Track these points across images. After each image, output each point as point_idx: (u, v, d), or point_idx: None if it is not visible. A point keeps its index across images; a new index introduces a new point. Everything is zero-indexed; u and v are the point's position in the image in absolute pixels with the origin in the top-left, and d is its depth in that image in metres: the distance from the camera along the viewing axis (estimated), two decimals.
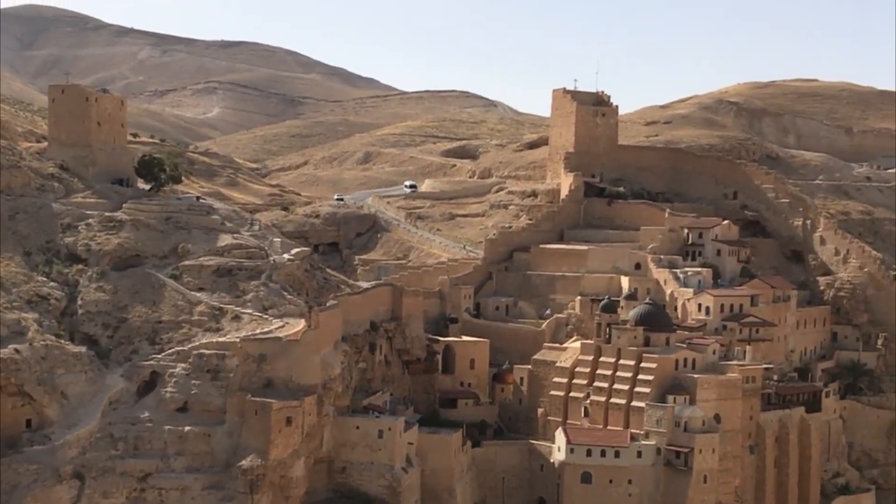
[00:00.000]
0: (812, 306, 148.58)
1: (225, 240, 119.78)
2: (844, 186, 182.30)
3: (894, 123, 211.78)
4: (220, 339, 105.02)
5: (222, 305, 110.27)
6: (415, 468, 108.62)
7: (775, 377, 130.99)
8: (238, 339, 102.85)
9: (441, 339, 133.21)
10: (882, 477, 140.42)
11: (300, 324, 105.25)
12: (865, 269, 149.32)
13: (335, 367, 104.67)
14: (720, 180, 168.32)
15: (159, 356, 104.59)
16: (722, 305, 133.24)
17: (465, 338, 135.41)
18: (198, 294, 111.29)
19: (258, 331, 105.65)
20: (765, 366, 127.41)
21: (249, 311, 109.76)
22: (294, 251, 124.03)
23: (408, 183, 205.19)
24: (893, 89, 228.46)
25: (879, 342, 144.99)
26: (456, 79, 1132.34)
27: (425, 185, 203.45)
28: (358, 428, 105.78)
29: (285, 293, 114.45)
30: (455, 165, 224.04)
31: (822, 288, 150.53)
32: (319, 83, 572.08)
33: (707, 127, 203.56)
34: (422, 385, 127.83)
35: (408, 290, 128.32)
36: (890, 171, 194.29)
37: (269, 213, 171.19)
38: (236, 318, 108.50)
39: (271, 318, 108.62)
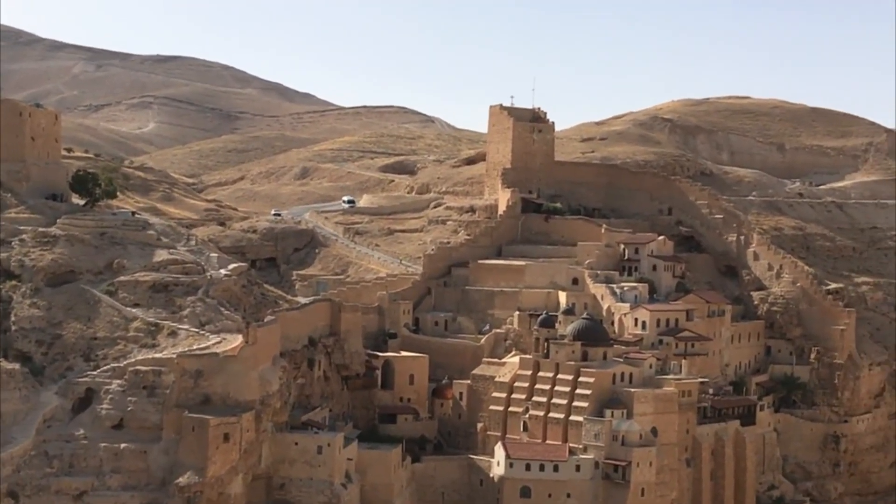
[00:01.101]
0: (746, 321, 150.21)
1: (161, 255, 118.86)
2: (777, 202, 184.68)
3: (826, 140, 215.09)
4: (157, 356, 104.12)
5: (158, 321, 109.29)
6: (354, 484, 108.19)
7: (711, 391, 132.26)
8: (175, 355, 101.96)
9: (380, 354, 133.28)
10: (816, 489, 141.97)
11: (237, 339, 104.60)
12: (798, 284, 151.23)
13: (273, 382, 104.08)
14: (655, 196, 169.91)
15: (94, 373, 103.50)
16: (658, 320, 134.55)
17: (404, 353, 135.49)
18: (133, 310, 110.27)
19: (195, 346, 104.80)
20: (700, 380, 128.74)
21: (186, 326, 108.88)
22: (231, 266, 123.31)
23: (346, 198, 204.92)
24: (828, 107, 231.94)
25: (812, 356, 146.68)
26: (393, 94, 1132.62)
27: (363, 201, 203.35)
28: (297, 444, 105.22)
29: (222, 309, 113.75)
30: (393, 181, 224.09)
31: (755, 302, 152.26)
32: (256, 98, 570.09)
33: (642, 143, 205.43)
34: (361, 400, 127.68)
35: (346, 306, 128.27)
36: (822, 187, 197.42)
37: (205, 229, 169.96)
38: (173, 333, 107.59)
39: (208, 334, 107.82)
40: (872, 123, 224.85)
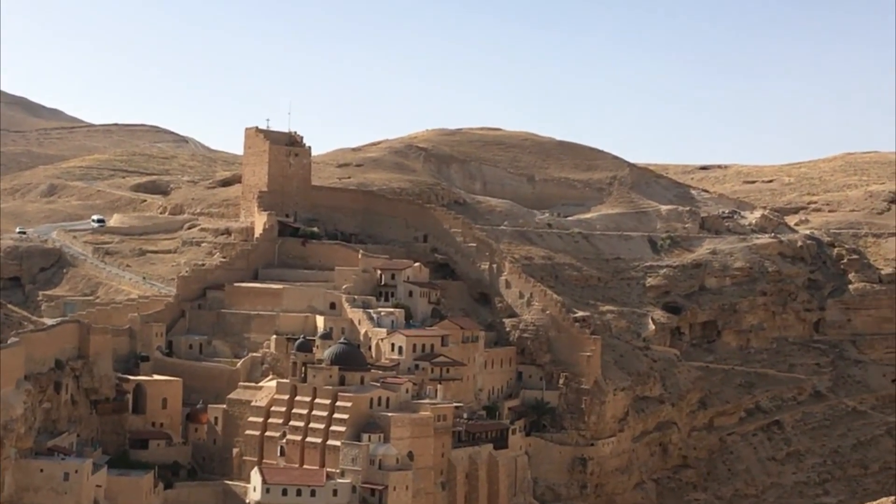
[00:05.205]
0: (499, 347, 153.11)
1: None
2: (527, 232, 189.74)
3: (573, 173, 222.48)
4: None
5: None
6: None
7: (465, 415, 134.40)
8: None
9: (131, 377, 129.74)
10: None
11: None
12: (547, 312, 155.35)
13: (17, 407, 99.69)
14: (411, 223, 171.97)
15: None
16: (414, 345, 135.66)
17: (156, 377, 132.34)
18: None
19: None
20: (455, 404, 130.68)
21: None
22: None
23: (95, 217, 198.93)
24: (574, 141, 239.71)
25: (561, 381, 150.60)
26: (145, 113, 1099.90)
27: (114, 220, 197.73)
28: (42, 471, 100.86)
29: None
30: (145, 200, 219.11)
31: (508, 329, 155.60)
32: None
33: (398, 171, 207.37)
34: (111, 425, 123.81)
35: (95, 328, 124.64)
36: (569, 218, 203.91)
37: None
38: None
39: None
40: (616, 157, 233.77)
